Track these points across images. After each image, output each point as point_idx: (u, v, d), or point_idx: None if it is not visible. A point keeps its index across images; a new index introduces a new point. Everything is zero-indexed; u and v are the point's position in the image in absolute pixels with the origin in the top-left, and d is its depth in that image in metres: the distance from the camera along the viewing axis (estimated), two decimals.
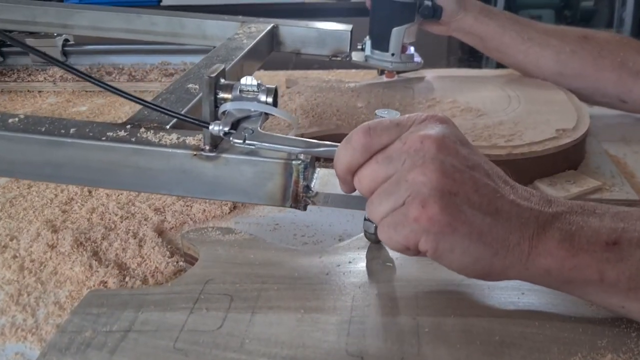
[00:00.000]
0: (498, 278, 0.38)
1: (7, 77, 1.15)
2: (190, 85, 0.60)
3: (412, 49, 0.90)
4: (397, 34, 0.85)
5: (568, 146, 0.70)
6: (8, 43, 1.22)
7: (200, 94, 0.57)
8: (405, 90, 0.89)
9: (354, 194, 0.44)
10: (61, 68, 0.46)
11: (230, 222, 0.63)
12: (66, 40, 1.20)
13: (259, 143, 0.43)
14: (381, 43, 0.87)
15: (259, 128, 0.43)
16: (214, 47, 0.90)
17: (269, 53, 0.88)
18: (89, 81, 0.47)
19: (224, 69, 0.45)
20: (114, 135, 0.48)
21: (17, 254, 0.57)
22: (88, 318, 0.42)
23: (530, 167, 0.67)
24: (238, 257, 0.50)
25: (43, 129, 0.48)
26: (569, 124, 0.75)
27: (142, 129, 0.49)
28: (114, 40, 0.98)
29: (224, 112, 0.45)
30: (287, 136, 0.43)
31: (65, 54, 1.20)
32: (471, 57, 2.51)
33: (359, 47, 0.91)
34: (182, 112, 0.53)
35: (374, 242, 0.51)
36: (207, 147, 0.46)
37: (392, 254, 0.49)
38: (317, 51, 0.90)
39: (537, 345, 0.38)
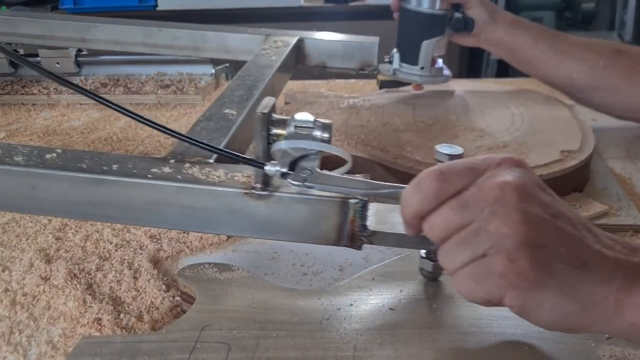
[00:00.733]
0: (582, 331, 0.36)
1: (0, 89, 1.12)
2: (227, 111, 0.58)
3: (440, 62, 0.87)
4: (426, 47, 0.83)
5: (573, 168, 0.68)
6: (21, 53, 1.19)
7: (239, 121, 0.56)
8: (406, 107, 0.87)
9: None
10: (70, 88, 0.44)
11: (228, 250, 0.61)
12: (79, 50, 1.17)
13: (319, 185, 0.40)
14: (410, 56, 0.85)
15: (317, 168, 0.41)
16: (236, 60, 0.88)
17: (295, 67, 0.86)
18: (106, 105, 0.44)
19: (274, 104, 0.43)
20: (159, 171, 0.45)
21: (9, 287, 0.55)
22: None
23: None
24: (235, 298, 0.48)
25: (84, 166, 0.45)
26: (574, 144, 0.73)
27: (187, 164, 0.47)
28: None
29: (278, 150, 0.42)
30: (347, 176, 0.41)
31: (78, 64, 1.18)
32: (472, 60, 2.48)
33: (386, 59, 0.89)
34: (224, 144, 0.51)
35: (430, 280, 0.49)
36: (259, 186, 0.43)
37: (394, 299, 0.47)
38: (344, 64, 0.88)
39: None
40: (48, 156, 0.47)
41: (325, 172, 0.41)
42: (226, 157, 0.43)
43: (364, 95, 0.97)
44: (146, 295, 0.53)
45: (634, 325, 0.35)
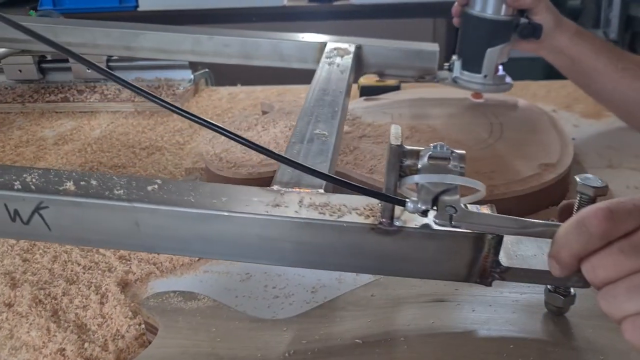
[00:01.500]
0: None
1: None
2: (317, 132, 0.55)
3: (501, 69, 0.85)
4: (491, 54, 0.80)
5: (552, 182, 0.67)
6: (48, 59, 1.15)
7: (333, 143, 0.53)
8: (384, 117, 0.84)
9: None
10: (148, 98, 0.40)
11: (199, 271, 0.60)
12: (42, 56, 1.14)
13: (467, 224, 0.37)
14: (472, 64, 0.82)
15: (462, 205, 0.38)
16: (288, 68, 0.85)
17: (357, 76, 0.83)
18: (185, 116, 0.40)
19: (402, 134, 0.40)
20: (273, 204, 0.42)
21: None
22: None
23: (510, 206, 0.63)
24: (199, 331, 0.47)
25: (192, 199, 0.42)
26: (553, 156, 0.71)
27: (300, 195, 0.43)
28: None
29: (411, 184, 0.39)
30: (494, 214, 0.38)
31: (110, 69, 1.14)
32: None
33: (446, 67, 0.86)
34: (328, 168, 0.48)
35: (555, 314, 0.46)
36: (386, 220, 0.41)
37: (363, 330, 0.46)
38: (403, 72, 0.85)
39: None
40: (150, 188, 0.43)
41: (470, 209, 0.38)
42: (360, 192, 0.40)
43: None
44: (112, 322, 0.52)
45: None
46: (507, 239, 0.44)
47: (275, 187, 0.45)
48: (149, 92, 0.40)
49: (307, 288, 0.57)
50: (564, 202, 0.43)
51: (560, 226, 0.37)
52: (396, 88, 1.02)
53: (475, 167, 0.68)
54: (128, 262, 0.61)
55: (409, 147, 0.40)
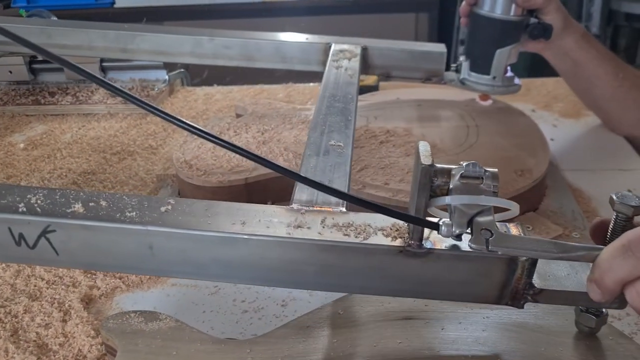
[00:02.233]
0: None
1: None
2: (332, 143, 0.53)
3: (509, 70, 0.83)
4: (500, 55, 0.78)
5: (528, 188, 0.66)
6: (39, 59, 1.12)
7: (349, 155, 0.51)
8: (360, 120, 0.83)
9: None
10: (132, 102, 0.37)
11: (167, 284, 0.59)
12: (33, 56, 1.11)
13: (504, 249, 0.36)
14: (481, 65, 0.80)
15: (498, 228, 0.36)
16: (291, 70, 0.83)
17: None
18: (173, 122, 0.38)
19: (431, 151, 0.38)
20: (295, 226, 0.40)
21: None
22: None
23: None
24: (159, 355, 0.45)
25: (209, 222, 0.40)
26: (529, 161, 0.70)
27: (322, 216, 0.41)
28: None
29: (441, 205, 0.38)
30: (533, 237, 0.36)
31: (103, 69, 1.11)
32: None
33: (453, 67, 0.84)
34: (346, 184, 0.46)
35: (586, 334, 0.45)
36: (415, 242, 0.39)
37: (327, 352, 0.45)
38: (409, 74, 0.83)
39: None
40: (163, 209, 0.41)
41: (506, 232, 0.37)
42: (391, 215, 0.38)
43: None
44: (74, 342, 0.51)
45: None
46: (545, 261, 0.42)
47: (295, 206, 0.43)
48: (135, 95, 0.37)
49: (277, 301, 0.56)
50: (598, 220, 0.41)
51: (602, 250, 0.35)
52: (374, 88, 1.00)
53: None
54: (93, 277, 0.59)
55: (439, 166, 0.38)
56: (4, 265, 0.60)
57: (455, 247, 0.39)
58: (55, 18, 1.12)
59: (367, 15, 2.22)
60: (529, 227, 0.61)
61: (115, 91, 0.36)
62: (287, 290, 0.56)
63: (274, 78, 1.09)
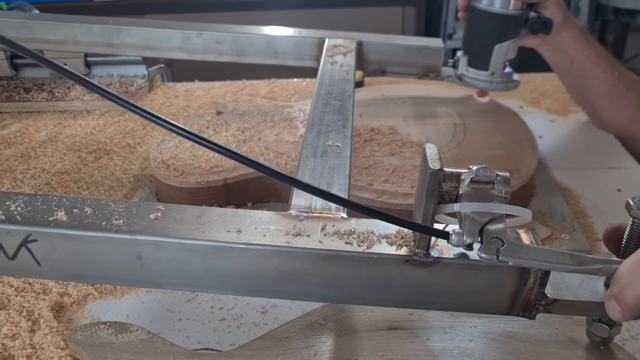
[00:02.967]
0: None
1: None
2: (330, 143, 0.50)
3: (507, 65, 0.81)
4: (499, 51, 0.76)
5: (516, 188, 0.64)
6: (20, 54, 1.08)
7: (348, 157, 0.48)
8: None
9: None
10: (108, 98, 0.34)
11: (142, 291, 0.56)
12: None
13: (517, 259, 0.33)
14: (479, 60, 0.78)
15: (509, 237, 0.34)
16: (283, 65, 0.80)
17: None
18: (156, 122, 0.35)
19: (440, 154, 0.36)
20: (294, 234, 0.38)
21: None
22: None
23: None
24: None
25: (202, 230, 0.37)
26: (517, 160, 0.69)
27: (322, 222, 0.39)
28: None
29: (451, 213, 0.35)
30: (547, 248, 0.34)
31: (88, 65, 1.08)
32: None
33: (450, 63, 0.81)
34: (346, 189, 0.44)
35: (598, 345, 0.43)
36: (421, 251, 0.36)
37: None
38: (405, 70, 0.80)
39: None
40: (152, 216, 0.39)
41: (518, 242, 0.34)
42: (397, 223, 0.35)
43: (303, 101, 0.90)
44: (42, 354, 0.48)
45: None
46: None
47: (293, 212, 0.40)
48: (112, 91, 0.35)
49: (257, 308, 0.54)
50: (611, 226, 0.39)
51: (621, 263, 0.33)
52: (359, 84, 0.97)
53: None
54: (65, 284, 0.56)
55: (448, 170, 0.36)
56: None
57: (464, 256, 0.37)
58: (37, 11, 1.08)
59: (352, 9, 2.19)
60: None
61: (91, 87, 0.33)
62: (265, 298, 0.54)
63: (255, 73, 1.06)
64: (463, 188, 0.35)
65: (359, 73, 0.99)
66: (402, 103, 0.85)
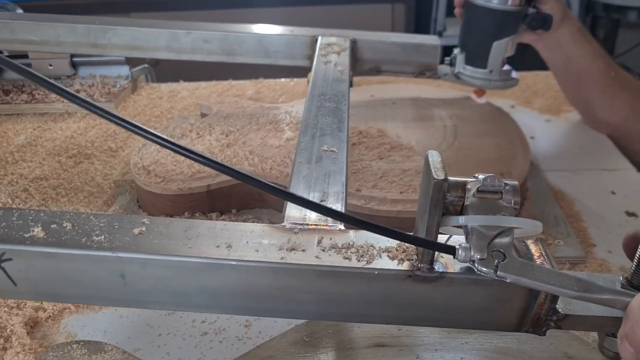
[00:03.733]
0: None
1: None
2: (325, 148, 0.48)
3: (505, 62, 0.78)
4: (498, 48, 0.74)
5: None
6: (5, 54, 1.04)
7: (344, 162, 0.46)
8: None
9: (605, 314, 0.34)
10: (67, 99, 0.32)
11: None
12: None
13: (516, 277, 0.31)
14: (477, 58, 0.75)
15: (513, 253, 0.32)
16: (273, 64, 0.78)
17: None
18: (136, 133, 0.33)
19: (444, 162, 0.33)
20: (288, 248, 0.35)
21: None
22: None
23: None
24: None
25: (190, 246, 0.35)
26: (509, 163, 0.67)
27: (317, 235, 0.37)
28: None
29: (456, 226, 0.33)
30: (552, 269, 0.32)
31: (74, 65, 1.04)
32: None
33: (446, 61, 0.79)
34: (343, 199, 0.41)
35: (612, 359, 0.40)
36: (425, 266, 0.34)
37: None
38: (401, 68, 0.78)
39: None
40: (136, 231, 0.36)
41: (522, 259, 0.32)
42: (398, 238, 0.33)
43: (290, 103, 0.88)
44: None
45: None
46: None
47: (287, 224, 0.38)
48: (82, 96, 0.32)
49: (240, 321, 0.52)
50: (631, 232, 0.37)
51: (634, 296, 0.30)
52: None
53: None
54: None
55: (453, 180, 0.33)
56: None
57: (470, 271, 0.34)
58: (20, 11, 1.05)
59: (341, 6, 2.17)
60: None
61: (60, 92, 0.30)
62: None
63: (241, 73, 1.03)
64: (469, 198, 0.33)
65: None
66: (392, 104, 0.82)
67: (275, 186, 0.32)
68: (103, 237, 0.35)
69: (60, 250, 0.35)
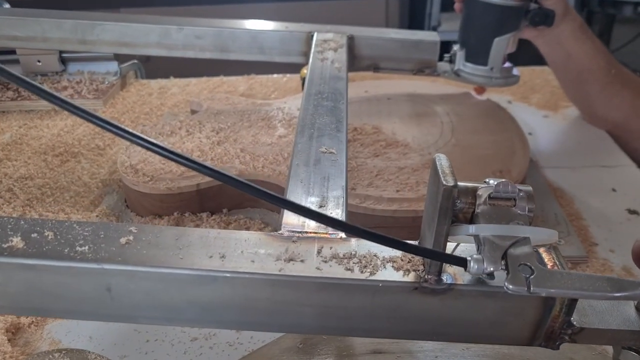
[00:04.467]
0: None
1: None
2: (323, 149, 0.46)
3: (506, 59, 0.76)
4: (499, 44, 0.72)
5: None
6: None
7: (344, 164, 0.43)
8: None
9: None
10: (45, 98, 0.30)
11: None
12: None
13: (550, 290, 0.29)
14: (478, 55, 0.73)
15: (538, 263, 0.29)
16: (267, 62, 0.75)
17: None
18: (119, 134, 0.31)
19: (452, 166, 0.31)
20: (286, 259, 0.33)
21: None
22: None
23: None
24: None
25: (180, 256, 0.33)
26: (508, 160, 0.65)
27: (317, 244, 0.34)
28: None
29: (466, 235, 0.31)
30: (581, 273, 0.30)
31: (63, 61, 1.01)
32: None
33: (446, 58, 0.77)
34: (343, 205, 0.39)
35: None
36: (432, 277, 0.32)
37: None
38: (399, 65, 0.76)
39: None
40: (123, 240, 0.34)
41: (550, 268, 0.30)
42: (406, 250, 0.31)
43: (282, 99, 0.85)
44: None
45: None
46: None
47: (284, 232, 0.36)
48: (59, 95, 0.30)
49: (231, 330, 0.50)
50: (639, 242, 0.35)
51: None
52: None
53: (422, 176, 0.61)
54: None
55: (462, 185, 0.31)
56: None
57: (480, 282, 0.32)
58: (7, 5, 1.02)
59: (334, 1, 2.15)
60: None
61: (31, 89, 0.28)
62: None
63: (232, 68, 1.01)
64: (480, 206, 0.31)
65: None
66: (387, 100, 0.80)
67: (271, 193, 0.29)
68: (87, 247, 0.33)
69: (40, 261, 0.32)
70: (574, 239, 0.60)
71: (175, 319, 0.34)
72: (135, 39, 0.74)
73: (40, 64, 0.99)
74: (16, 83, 0.28)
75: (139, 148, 0.66)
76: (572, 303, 0.32)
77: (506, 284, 0.29)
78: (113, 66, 1.00)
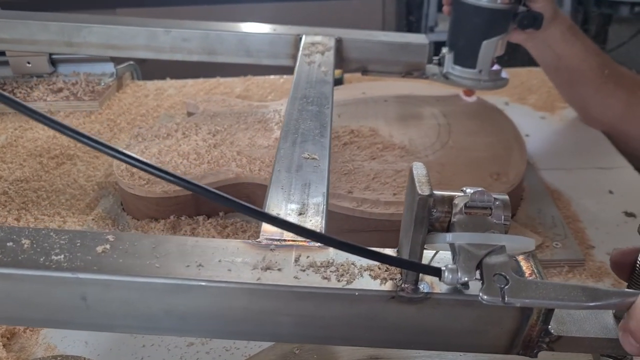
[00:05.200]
0: None
1: None
2: (306, 155, 0.45)
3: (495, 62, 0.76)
4: (487, 47, 0.71)
5: (505, 193, 0.61)
6: None
7: (326, 170, 0.43)
8: None
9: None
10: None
11: None
12: None
13: (525, 300, 0.29)
14: (466, 57, 0.73)
15: (514, 272, 0.29)
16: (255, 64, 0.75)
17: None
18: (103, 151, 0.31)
19: (429, 175, 0.31)
20: (264, 268, 0.33)
21: None
22: None
23: None
24: None
25: (157, 265, 0.32)
26: (505, 163, 0.65)
27: (295, 253, 0.34)
28: None
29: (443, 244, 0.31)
30: (556, 283, 0.30)
31: (53, 62, 1.01)
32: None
33: (435, 60, 0.77)
34: (323, 214, 0.39)
35: None
36: (409, 286, 0.32)
37: None
38: (388, 68, 0.76)
39: None
40: (99, 249, 0.33)
41: (524, 278, 0.30)
42: (381, 260, 0.31)
43: (279, 101, 0.85)
44: None
45: None
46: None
47: (263, 240, 0.35)
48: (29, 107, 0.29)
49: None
50: (619, 251, 0.35)
51: (638, 295, 0.29)
52: (338, 82, 0.92)
53: None
54: None
55: (438, 194, 0.31)
56: None
57: (457, 291, 0.32)
58: None
59: (330, 2, 2.14)
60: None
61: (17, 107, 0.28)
62: None
63: (228, 70, 1.00)
64: (456, 215, 0.31)
65: (338, 70, 0.94)
66: (384, 102, 0.80)
67: (249, 206, 0.29)
68: (63, 256, 0.33)
69: (15, 271, 0.32)
70: (571, 242, 0.60)
71: (152, 328, 0.34)
72: (122, 41, 0.74)
73: (30, 65, 0.99)
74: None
75: (135, 151, 0.66)
76: (549, 312, 0.32)
77: (481, 294, 0.29)
78: (109, 67, 0.99)
